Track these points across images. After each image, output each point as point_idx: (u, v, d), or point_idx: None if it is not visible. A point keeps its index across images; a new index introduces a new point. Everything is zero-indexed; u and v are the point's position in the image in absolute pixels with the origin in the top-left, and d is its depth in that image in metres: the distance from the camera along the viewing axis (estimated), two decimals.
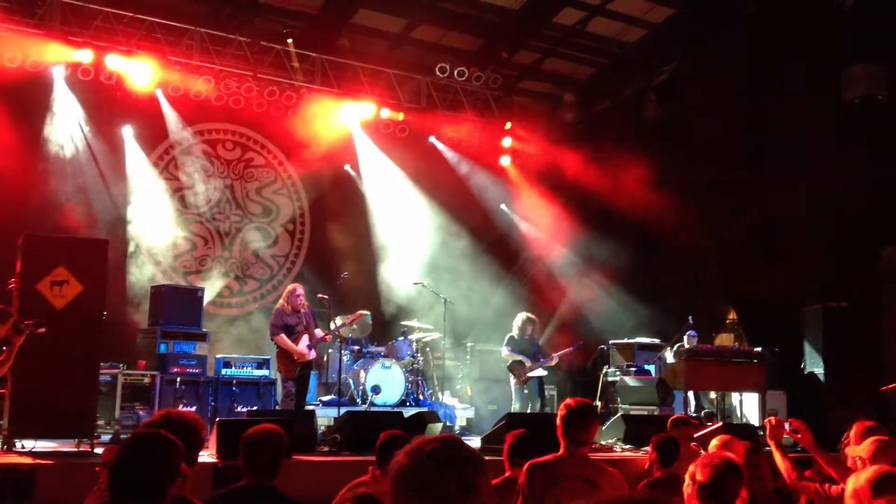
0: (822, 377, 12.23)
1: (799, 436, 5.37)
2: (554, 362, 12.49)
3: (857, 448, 4.99)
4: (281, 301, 11.11)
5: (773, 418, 5.51)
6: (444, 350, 13.85)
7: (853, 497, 3.53)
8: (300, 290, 11.08)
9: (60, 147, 12.77)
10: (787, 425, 5.44)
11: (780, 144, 13.33)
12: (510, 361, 12.43)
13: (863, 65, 12.51)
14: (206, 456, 7.72)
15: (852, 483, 3.58)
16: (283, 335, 10.78)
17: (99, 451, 8.10)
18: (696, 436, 7.62)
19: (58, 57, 12.18)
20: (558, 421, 4.88)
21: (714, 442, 5.71)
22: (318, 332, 11.20)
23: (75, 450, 8.15)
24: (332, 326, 11.63)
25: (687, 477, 4.31)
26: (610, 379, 12.94)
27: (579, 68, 16.03)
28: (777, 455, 5.37)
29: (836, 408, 11.50)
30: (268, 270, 14.87)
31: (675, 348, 12.56)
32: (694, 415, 11.00)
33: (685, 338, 12.48)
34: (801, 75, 12.77)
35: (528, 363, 12.19)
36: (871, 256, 13.35)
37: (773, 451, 5.40)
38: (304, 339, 10.87)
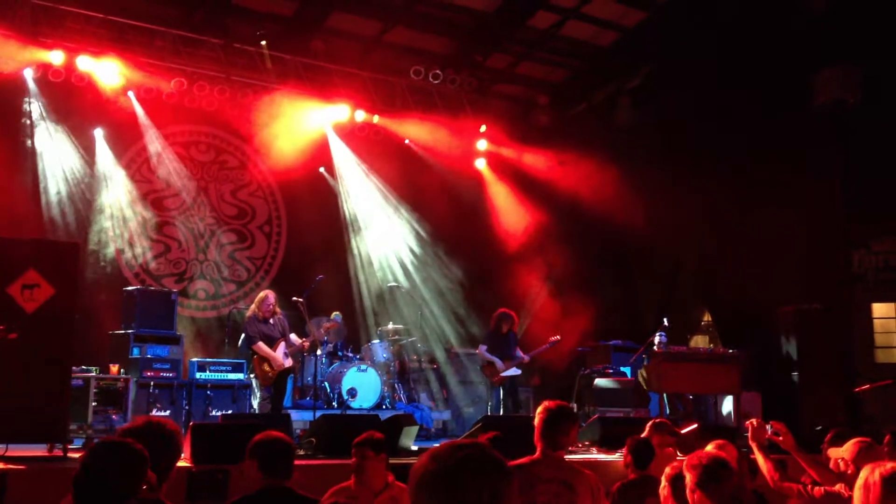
0: (795, 378, 12.32)
1: (780, 438, 5.39)
2: (527, 360, 12.42)
3: (840, 450, 5.02)
4: (252, 308, 11.05)
5: (754, 420, 5.53)
6: (420, 353, 13.83)
7: (863, 489, 3.51)
8: (272, 297, 11.01)
9: (32, 149, 12.63)
10: (768, 428, 5.46)
11: (753, 147, 13.43)
12: (483, 362, 12.42)
13: (834, 68, 12.63)
14: (181, 460, 7.65)
15: (865, 475, 3.56)
16: (261, 343, 10.74)
17: (74, 456, 8.03)
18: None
19: (28, 58, 12.03)
20: (537, 423, 4.85)
21: (708, 447, 5.72)
22: (296, 340, 11.13)
23: (47, 454, 8.07)
24: (308, 334, 11.53)
25: (663, 478, 4.32)
26: (586, 381, 12.95)
27: (553, 71, 16.06)
28: (759, 457, 5.39)
29: (810, 409, 11.59)
30: (245, 273, 14.77)
31: (648, 350, 12.61)
32: (670, 417, 11.04)
33: (656, 339, 12.54)
34: (773, 79, 12.87)
35: (499, 365, 12.15)
36: (843, 259, 13.48)
37: (755, 453, 5.42)
38: (281, 347, 10.82)
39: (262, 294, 11.15)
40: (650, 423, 7.65)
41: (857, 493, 3.55)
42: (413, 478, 2.06)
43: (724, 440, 5.87)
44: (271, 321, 10.92)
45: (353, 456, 5.70)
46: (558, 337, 12.63)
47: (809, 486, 5.03)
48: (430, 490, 2.03)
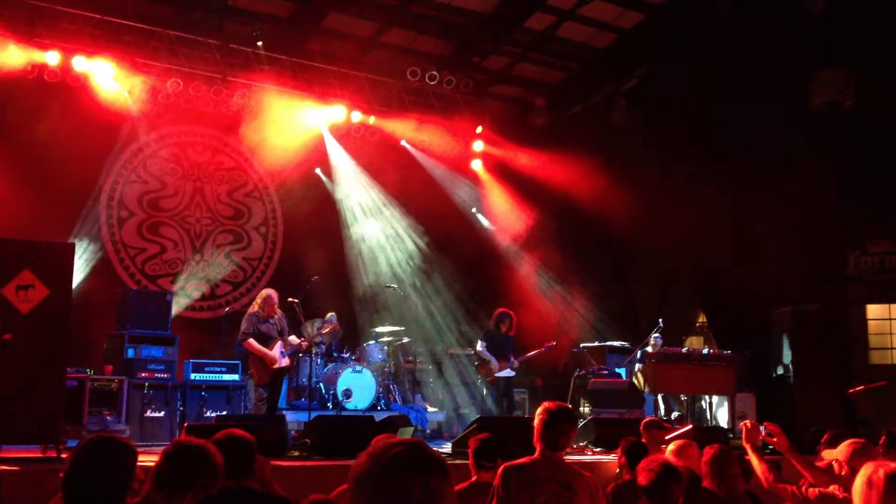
0: (790, 379, 12.33)
1: (774, 439, 5.39)
2: (516, 365, 12.39)
3: (834, 451, 5.02)
4: (254, 306, 10.95)
5: (748, 422, 5.53)
6: (416, 354, 13.82)
7: (866, 485, 3.50)
8: (275, 297, 10.92)
9: (27, 150, 12.60)
10: (762, 429, 5.46)
11: (749, 149, 13.45)
12: (478, 360, 12.39)
13: (830, 70, 12.65)
14: None
15: (868, 472, 3.54)
16: (252, 340, 10.64)
17: (65, 456, 8.01)
18: (666, 438, 7.64)
19: (24, 59, 12.01)
20: (536, 424, 4.84)
21: (670, 447, 5.74)
22: (294, 339, 11.09)
23: (41, 455, 8.05)
24: (306, 335, 11.50)
25: None
26: (581, 382, 12.95)
27: (550, 73, 16.06)
28: (753, 458, 5.39)
29: (805, 410, 11.60)
30: (241, 273, 14.75)
31: (643, 351, 12.62)
32: (665, 418, 11.05)
33: (651, 341, 12.54)
34: (769, 81, 12.89)
35: (494, 365, 12.13)
36: (838, 260, 13.50)
37: (749, 454, 5.42)
38: (278, 346, 10.76)
39: (265, 292, 11.04)
40: (642, 422, 7.71)
41: (859, 490, 3.53)
42: (350, 476, 2.09)
43: (686, 440, 5.89)
44: (271, 320, 10.87)
45: None
46: (553, 343, 12.64)
47: (804, 488, 5.04)
48: (366, 487, 2.05)
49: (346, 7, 13.67)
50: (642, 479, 4.36)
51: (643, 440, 7.02)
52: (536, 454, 4.82)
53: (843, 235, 13.50)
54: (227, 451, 4.57)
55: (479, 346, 12.33)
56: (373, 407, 12.26)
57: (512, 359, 12.26)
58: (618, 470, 6.77)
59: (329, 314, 12.37)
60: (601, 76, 15.43)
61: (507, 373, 12.23)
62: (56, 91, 12.53)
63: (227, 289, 14.57)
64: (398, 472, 2.04)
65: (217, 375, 11.63)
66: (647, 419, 8.11)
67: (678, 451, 5.68)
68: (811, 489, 5.00)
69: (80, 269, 12.57)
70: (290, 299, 11.24)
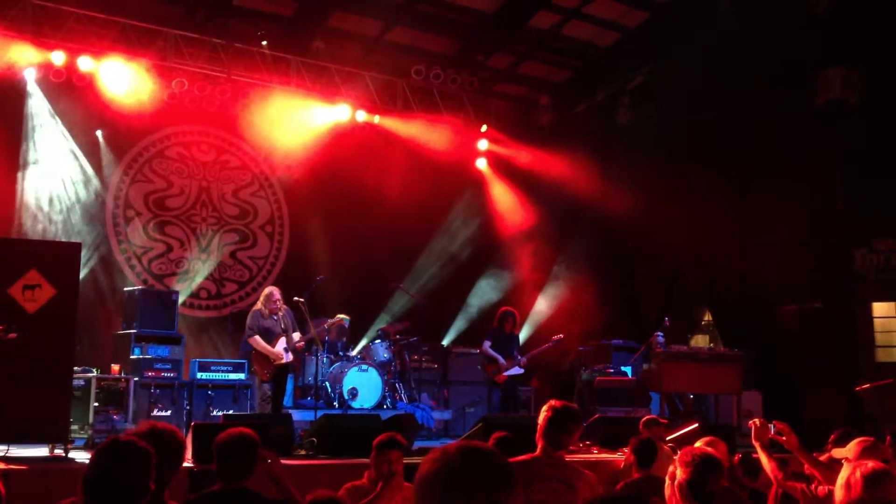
0: (796, 378, 12.31)
1: (783, 438, 5.40)
2: (523, 363, 12.35)
3: (843, 450, 5.04)
4: (258, 303, 11.02)
5: (757, 420, 5.54)
6: (422, 352, 13.82)
7: (844, 487, 3.55)
8: (277, 293, 10.98)
9: (33, 150, 12.63)
10: (771, 427, 5.46)
11: (754, 147, 13.43)
12: (484, 359, 12.36)
13: (836, 68, 12.63)
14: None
15: (846, 473, 3.60)
16: (257, 337, 10.70)
17: (73, 455, 8.05)
18: (669, 438, 7.66)
19: (29, 59, 12.03)
20: (541, 422, 4.81)
21: (698, 444, 5.72)
22: (296, 337, 11.11)
23: (49, 455, 8.08)
24: (310, 331, 11.48)
25: (667, 477, 4.32)
26: (586, 380, 12.94)
27: (555, 71, 16.07)
28: (763, 456, 5.40)
29: (811, 408, 11.59)
30: (246, 272, 14.76)
31: (649, 350, 12.61)
32: (668, 416, 11.04)
33: (654, 340, 12.53)
34: (774, 79, 12.87)
35: (502, 363, 12.09)
36: (844, 258, 13.48)
37: (758, 452, 5.43)
38: (282, 342, 10.78)
39: (267, 290, 11.09)
40: (641, 420, 7.73)
41: (839, 492, 3.60)
42: (416, 478, 2.05)
43: (713, 437, 5.89)
44: (274, 317, 10.90)
45: (381, 461, 5.56)
46: (561, 336, 12.59)
47: (814, 486, 5.05)
48: (431, 491, 2.01)
49: (350, 6, 13.69)
50: (683, 474, 4.28)
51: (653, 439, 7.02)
52: (538, 451, 4.79)
53: (849, 233, 13.49)
54: (218, 455, 4.56)
55: (485, 345, 12.30)
56: (379, 406, 12.27)
57: (518, 356, 12.23)
58: (623, 467, 6.77)
59: (343, 316, 12.29)
60: (606, 75, 15.43)
61: (515, 371, 12.19)
62: (62, 91, 12.54)
63: (232, 288, 14.59)
64: (464, 479, 2.00)
65: (223, 374, 11.65)
66: (647, 417, 8.16)
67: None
68: (821, 487, 5.01)
69: (87, 268, 12.59)
70: (296, 298, 11.24)
